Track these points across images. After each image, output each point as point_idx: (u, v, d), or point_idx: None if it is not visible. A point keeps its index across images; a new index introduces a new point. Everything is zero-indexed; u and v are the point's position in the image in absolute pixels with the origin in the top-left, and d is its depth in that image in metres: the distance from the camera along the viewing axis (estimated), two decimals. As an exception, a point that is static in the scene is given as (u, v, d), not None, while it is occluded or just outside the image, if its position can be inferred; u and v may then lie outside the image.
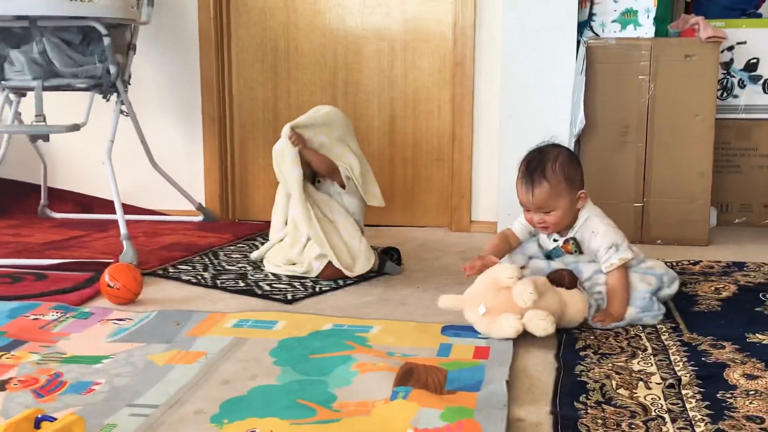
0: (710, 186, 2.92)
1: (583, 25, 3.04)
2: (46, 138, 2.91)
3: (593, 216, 2.04)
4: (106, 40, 2.75)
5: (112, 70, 2.82)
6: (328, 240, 2.38)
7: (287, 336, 1.90)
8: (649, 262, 2.10)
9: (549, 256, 2.12)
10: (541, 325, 1.81)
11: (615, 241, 1.99)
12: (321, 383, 1.61)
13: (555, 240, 2.08)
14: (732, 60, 3.24)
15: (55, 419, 1.27)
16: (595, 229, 2.02)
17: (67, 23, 2.72)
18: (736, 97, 3.25)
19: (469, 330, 1.93)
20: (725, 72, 3.24)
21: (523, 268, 2.05)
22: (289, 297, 2.27)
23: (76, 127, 2.70)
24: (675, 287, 2.11)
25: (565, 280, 1.94)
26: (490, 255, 2.04)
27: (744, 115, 3.25)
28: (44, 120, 2.73)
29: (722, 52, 3.15)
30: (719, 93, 3.22)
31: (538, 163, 1.99)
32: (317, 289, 2.34)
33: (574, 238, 2.06)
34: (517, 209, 2.11)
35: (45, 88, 2.78)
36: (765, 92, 3.23)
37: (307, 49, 3.35)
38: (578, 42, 2.95)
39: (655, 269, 2.08)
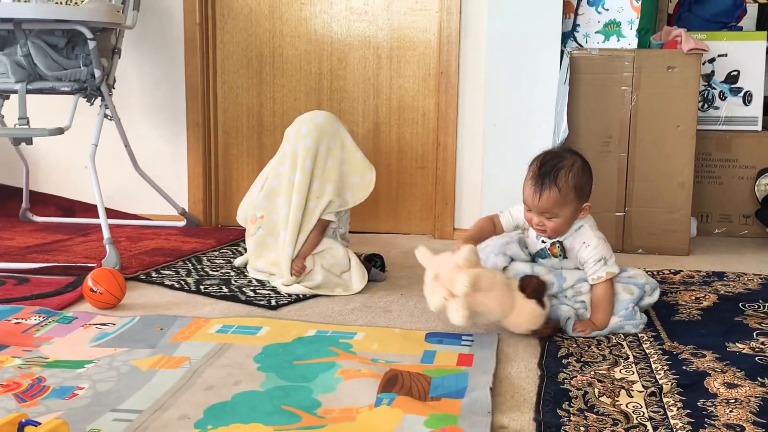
0: (691, 196, 2.95)
1: (567, 36, 3.07)
2: (29, 141, 2.89)
3: (587, 226, 2.04)
4: (92, 44, 2.74)
5: (97, 73, 2.81)
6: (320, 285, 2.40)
7: (271, 342, 1.90)
8: (630, 271, 2.12)
9: (534, 257, 2.13)
10: (454, 315, 1.86)
11: (604, 255, 2.00)
12: (305, 389, 1.61)
13: (543, 241, 2.08)
14: (713, 72, 3.28)
15: (39, 424, 1.27)
16: (587, 240, 2.02)
17: (52, 26, 2.71)
18: (716, 108, 3.29)
19: (452, 337, 1.94)
20: (706, 84, 3.27)
21: (504, 269, 2.06)
22: (273, 303, 2.27)
23: (59, 131, 2.68)
24: (656, 296, 2.13)
25: (528, 288, 1.92)
26: (467, 243, 1.97)
27: (724, 127, 3.29)
28: (28, 123, 2.72)
29: (704, 64, 3.19)
30: (700, 104, 3.26)
31: (551, 168, 1.96)
32: (301, 296, 2.34)
33: (561, 243, 2.05)
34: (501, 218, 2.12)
35: (29, 91, 2.77)
36: (745, 104, 3.27)
37: (292, 56, 3.35)
38: (562, 52, 2.98)
39: (637, 278, 2.09)
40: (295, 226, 2.39)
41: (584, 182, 1.99)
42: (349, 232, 2.59)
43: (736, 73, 3.27)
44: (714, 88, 3.28)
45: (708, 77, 3.28)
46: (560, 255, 2.07)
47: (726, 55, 3.26)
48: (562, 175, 1.94)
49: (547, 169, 1.95)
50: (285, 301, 2.29)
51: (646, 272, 2.55)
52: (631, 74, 2.92)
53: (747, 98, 3.27)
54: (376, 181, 2.54)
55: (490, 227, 2.13)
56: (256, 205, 2.51)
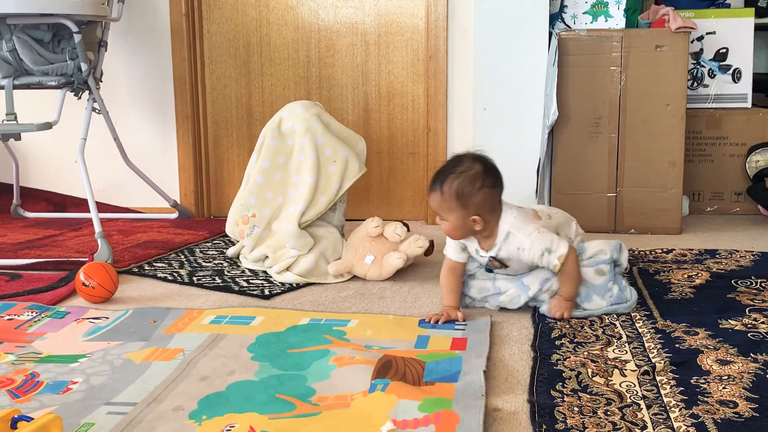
0: (682, 175, 2.95)
1: (555, 17, 3.06)
2: (17, 137, 2.88)
3: (513, 231, 1.95)
4: (77, 38, 2.73)
5: (84, 67, 2.80)
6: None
7: (265, 331, 1.90)
8: (589, 249, 2.04)
9: (487, 269, 2.08)
10: (419, 243, 2.36)
11: (545, 246, 1.94)
12: (299, 377, 1.61)
13: (482, 256, 2.01)
14: (701, 50, 3.28)
15: (32, 419, 1.26)
16: (520, 245, 1.94)
17: (37, 21, 2.70)
18: (706, 86, 3.29)
19: (446, 322, 1.94)
20: (695, 62, 3.27)
21: (465, 286, 2.08)
22: (267, 292, 2.27)
23: (48, 126, 2.67)
24: (625, 253, 2.07)
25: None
26: (451, 306, 2.00)
27: (714, 105, 3.29)
28: (15, 119, 2.71)
29: (692, 42, 3.19)
30: (689, 83, 3.25)
31: (443, 171, 1.94)
32: (294, 285, 2.34)
33: (496, 257, 1.99)
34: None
35: (15, 87, 2.75)
36: (734, 81, 3.27)
37: (279, 45, 3.34)
38: (550, 34, 2.97)
39: (599, 255, 2.02)
40: (305, 202, 2.42)
41: (470, 192, 1.90)
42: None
43: (724, 50, 3.27)
44: (703, 66, 3.28)
45: (696, 55, 3.27)
46: (501, 266, 2.02)
47: (714, 32, 3.26)
48: (449, 180, 1.90)
49: (440, 170, 1.95)
50: (278, 290, 2.29)
51: (633, 252, 2.55)
52: (619, 54, 2.91)
53: (736, 75, 3.27)
54: (367, 168, 2.55)
55: (457, 279, 2.05)
56: (245, 205, 2.50)
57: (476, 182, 1.91)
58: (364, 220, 2.49)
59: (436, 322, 1.94)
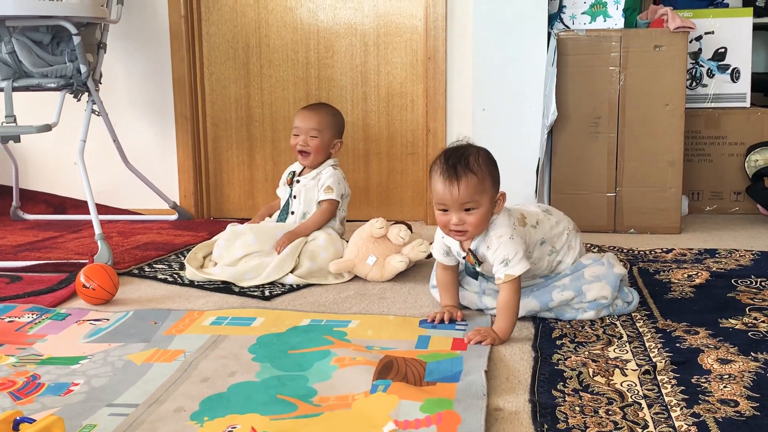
0: (681, 175, 2.96)
1: (554, 18, 3.07)
2: (17, 139, 2.88)
3: (490, 230, 1.89)
4: (76, 39, 2.73)
5: (83, 69, 2.80)
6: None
7: (266, 332, 1.90)
8: (591, 292, 1.95)
9: (472, 273, 1.99)
10: (422, 248, 2.36)
11: (506, 256, 1.85)
12: (301, 378, 1.61)
13: (464, 258, 1.94)
14: (700, 50, 3.28)
15: (34, 421, 1.26)
16: (490, 244, 1.88)
17: (36, 23, 2.70)
18: (705, 86, 3.30)
19: (449, 321, 1.95)
20: (694, 62, 3.28)
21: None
22: (267, 294, 2.27)
23: (47, 128, 2.67)
24: (625, 281, 2.04)
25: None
26: (450, 305, 1.99)
27: (713, 104, 3.30)
28: (15, 121, 2.70)
29: (691, 42, 3.19)
30: (688, 82, 3.26)
31: (459, 158, 1.82)
32: (294, 286, 2.35)
33: (472, 251, 1.91)
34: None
35: (15, 89, 2.75)
36: (733, 81, 3.28)
37: (278, 46, 3.34)
38: (549, 34, 2.97)
39: (602, 300, 1.95)
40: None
41: (494, 168, 1.86)
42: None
43: (723, 50, 3.27)
44: (701, 66, 3.28)
45: (695, 55, 3.28)
46: (476, 262, 1.91)
47: (713, 32, 3.27)
48: (473, 161, 1.82)
49: (455, 160, 1.82)
50: (278, 291, 2.30)
51: (632, 252, 2.55)
52: (618, 54, 2.91)
53: (735, 75, 3.27)
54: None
55: (450, 273, 2.02)
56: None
57: (493, 160, 1.88)
58: (363, 220, 2.49)
59: (441, 321, 1.93)
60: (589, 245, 2.68)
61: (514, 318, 1.85)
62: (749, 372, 1.59)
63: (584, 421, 1.39)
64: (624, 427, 1.37)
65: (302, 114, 2.55)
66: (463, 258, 1.95)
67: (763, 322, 1.89)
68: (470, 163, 1.82)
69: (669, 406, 1.44)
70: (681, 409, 1.43)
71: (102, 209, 3.23)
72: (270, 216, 2.63)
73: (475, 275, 2.00)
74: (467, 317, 1.97)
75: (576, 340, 1.82)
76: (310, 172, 2.55)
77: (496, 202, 1.87)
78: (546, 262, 2.01)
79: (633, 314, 1.99)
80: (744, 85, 3.28)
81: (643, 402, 1.47)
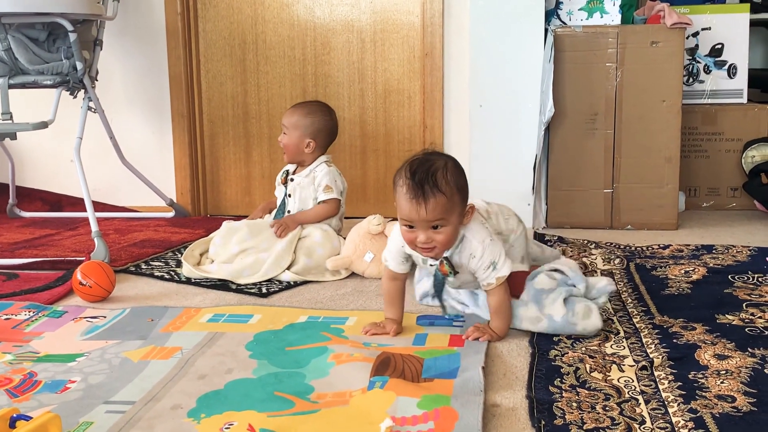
0: (678, 171, 2.96)
1: (551, 14, 3.06)
2: (13, 136, 2.87)
3: (468, 236, 1.80)
4: (72, 36, 2.72)
5: (79, 66, 2.79)
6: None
7: (263, 329, 1.90)
8: (593, 282, 1.91)
9: (440, 282, 1.93)
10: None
11: (493, 259, 1.78)
12: (298, 375, 1.61)
13: (431, 264, 1.86)
14: (697, 46, 3.28)
15: (31, 418, 1.26)
16: (473, 251, 1.79)
17: (32, 20, 2.69)
18: (701, 82, 3.30)
19: (443, 319, 1.95)
20: (691, 58, 3.28)
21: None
22: (264, 291, 2.27)
23: (43, 125, 2.67)
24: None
25: None
26: (391, 318, 1.88)
27: (710, 100, 3.30)
28: (11, 118, 2.70)
29: (687, 38, 3.19)
30: (685, 79, 3.26)
31: (426, 173, 1.70)
32: (291, 283, 2.34)
33: (448, 259, 1.82)
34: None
35: (11, 86, 2.74)
36: (730, 77, 3.28)
37: (275, 42, 3.34)
38: (546, 30, 2.97)
39: (609, 286, 1.90)
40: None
41: (464, 181, 1.77)
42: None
43: (720, 46, 3.27)
44: (698, 62, 3.28)
45: (692, 51, 3.28)
46: (451, 272, 1.83)
47: (709, 28, 3.26)
48: (441, 177, 1.70)
49: (421, 176, 1.70)
50: (275, 288, 2.29)
51: (629, 248, 2.56)
52: (615, 50, 2.91)
53: (731, 71, 3.27)
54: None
55: (398, 284, 1.90)
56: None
57: (460, 168, 1.78)
58: (360, 217, 2.49)
59: (374, 334, 1.84)
60: (585, 241, 2.68)
61: (510, 317, 1.83)
62: (746, 368, 1.59)
63: (581, 416, 1.39)
64: (621, 422, 1.37)
65: (288, 110, 2.58)
66: (431, 265, 1.85)
67: (760, 317, 1.90)
68: (438, 181, 1.70)
69: (666, 402, 1.44)
70: (678, 404, 1.43)
71: (99, 206, 3.22)
72: (270, 213, 2.63)
73: (441, 285, 1.92)
74: (464, 316, 1.97)
75: (573, 336, 1.81)
76: (304, 170, 2.55)
77: (467, 213, 1.78)
78: None
79: (630, 310, 1.99)
80: (741, 81, 3.28)
81: (640, 398, 1.47)
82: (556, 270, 1.93)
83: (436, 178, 1.70)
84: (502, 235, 1.92)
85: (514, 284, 1.86)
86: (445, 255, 1.81)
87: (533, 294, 1.85)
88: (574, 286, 1.87)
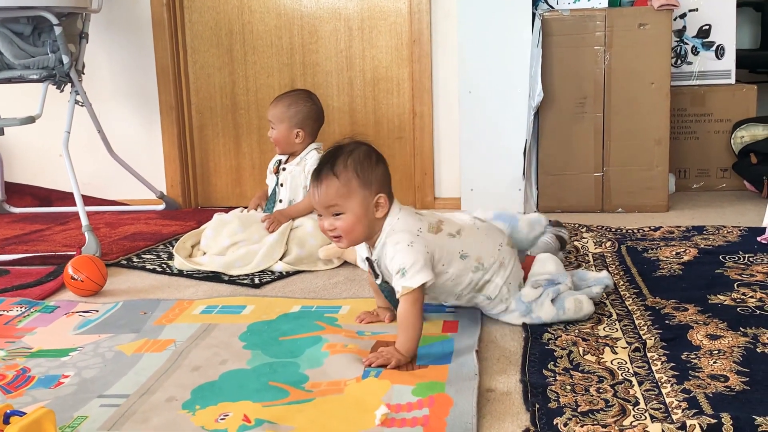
0: (668, 153, 2.96)
1: (538, -2, 3.06)
2: (0, 132, 2.86)
3: (386, 236, 1.69)
4: (58, 30, 2.70)
5: (65, 59, 2.77)
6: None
7: (256, 320, 1.90)
8: (590, 275, 1.92)
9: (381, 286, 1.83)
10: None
11: (402, 265, 1.64)
12: (292, 365, 1.61)
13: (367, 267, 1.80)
14: (684, 27, 3.28)
15: (25, 414, 1.26)
16: (389, 252, 1.68)
17: (16, 14, 2.67)
18: (689, 63, 3.30)
19: (436, 306, 1.95)
20: (678, 39, 3.28)
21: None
22: (257, 281, 2.27)
23: (31, 120, 2.65)
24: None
25: None
26: (382, 306, 1.88)
27: (698, 82, 3.30)
28: (-3, 113, 2.69)
29: (675, 19, 3.19)
30: (673, 60, 3.26)
31: (328, 158, 1.67)
32: (284, 273, 2.34)
33: (369, 259, 1.76)
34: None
35: (-3, 81, 2.73)
36: (718, 58, 3.28)
37: (262, 32, 3.32)
38: (533, 15, 2.96)
39: (605, 279, 1.92)
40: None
41: (369, 169, 1.67)
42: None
43: (707, 27, 3.27)
44: (686, 44, 3.28)
45: (680, 33, 3.28)
46: (375, 275, 1.77)
47: (697, 9, 3.26)
48: (340, 161, 1.65)
49: (324, 159, 1.68)
50: (268, 278, 2.29)
51: (620, 231, 2.56)
52: (603, 33, 2.91)
53: (719, 52, 3.27)
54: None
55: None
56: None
57: (372, 156, 1.70)
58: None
59: (369, 321, 1.85)
60: (577, 225, 2.69)
61: (415, 333, 1.62)
62: (738, 347, 1.60)
63: (575, 399, 1.40)
64: (615, 404, 1.37)
65: (270, 105, 2.57)
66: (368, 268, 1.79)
67: (752, 297, 1.90)
68: (335, 166, 1.65)
69: (659, 383, 1.45)
70: (671, 385, 1.44)
71: (88, 201, 3.21)
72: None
73: (385, 286, 1.79)
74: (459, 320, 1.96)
75: (566, 319, 1.82)
76: (295, 159, 2.54)
77: (376, 205, 1.68)
78: (468, 279, 1.77)
79: (622, 293, 2.00)
80: (729, 62, 3.28)
81: (633, 379, 1.48)
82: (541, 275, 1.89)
83: (335, 163, 1.66)
84: (470, 259, 1.76)
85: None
86: (367, 256, 1.76)
87: (524, 309, 1.80)
88: (560, 284, 1.84)
